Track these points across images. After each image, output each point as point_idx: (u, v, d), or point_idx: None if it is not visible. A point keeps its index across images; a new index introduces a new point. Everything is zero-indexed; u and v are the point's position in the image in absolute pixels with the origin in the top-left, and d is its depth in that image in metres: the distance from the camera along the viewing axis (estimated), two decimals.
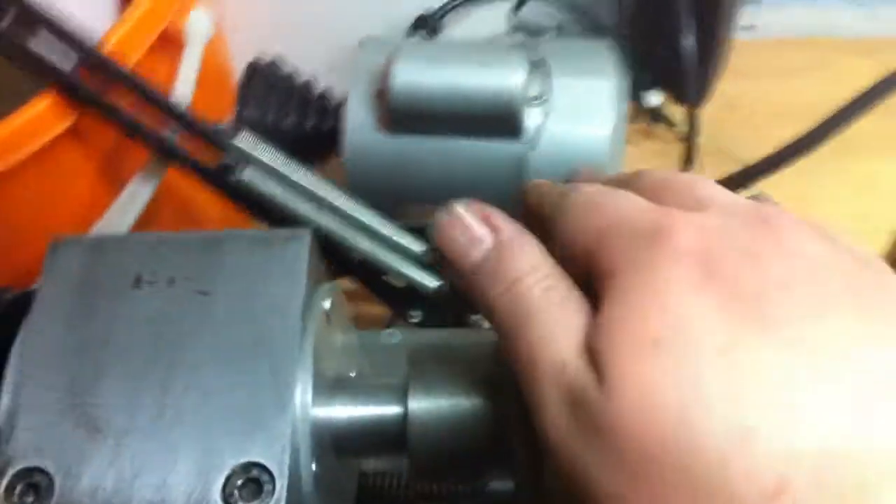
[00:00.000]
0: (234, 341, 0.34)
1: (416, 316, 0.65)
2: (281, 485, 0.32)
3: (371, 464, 0.44)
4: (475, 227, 0.34)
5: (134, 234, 0.39)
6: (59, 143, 0.54)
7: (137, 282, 0.36)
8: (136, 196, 0.58)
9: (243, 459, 0.32)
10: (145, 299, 0.35)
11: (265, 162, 0.58)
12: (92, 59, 0.52)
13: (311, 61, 0.77)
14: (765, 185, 0.68)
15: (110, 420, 0.33)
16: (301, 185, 0.59)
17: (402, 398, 0.36)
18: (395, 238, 0.62)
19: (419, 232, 0.63)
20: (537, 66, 0.67)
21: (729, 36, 0.83)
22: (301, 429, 0.33)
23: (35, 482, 0.32)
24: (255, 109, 0.70)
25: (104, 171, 0.59)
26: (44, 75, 0.52)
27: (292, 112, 0.72)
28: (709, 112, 0.87)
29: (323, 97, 0.75)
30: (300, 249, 0.36)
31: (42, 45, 0.52)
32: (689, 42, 0.75)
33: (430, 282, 0.64)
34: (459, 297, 0.66)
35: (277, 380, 0.34)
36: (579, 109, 0.67)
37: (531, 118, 0.66)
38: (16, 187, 0.55)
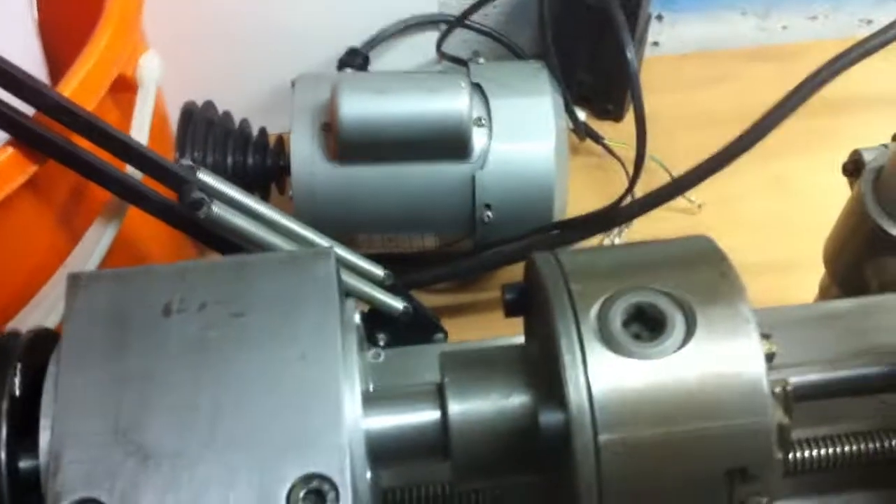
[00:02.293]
0: (276, 360, 0.35)
1: (382, 338, 0.65)
2: (346, 493, 0.32)
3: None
4: None
5: (154, 265, 0.38)
6: (17, 196, 0.53)
7: (167, 310, 0.35)
8: (97, 241, 0.57)
9: (304, 472, 0.32)
10: (179, 326, 0.35)
11: (231, 196, 0.58)
12: (51, 106, 0.52)
13: (241, 103, 0.78)
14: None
15: (161, 447, 0.33)
16: (264, 217, 0.60)
17: (439, 403, 0.37)
18: (359, 263, 0.63)
19: (376, 259, 0.64)
20: (475, 90, 0.70)
21: (642, 52, 0.88)
22: (355, 438, 0.34)
23: None
24: (195, 150, 0.70)
25: (60, 221, 0.57)
26: (1, 125, 0.51)
27: (232, 151, 0.72)
28: (627, 125, 0.91)
29: (262, 135, 0.75)
30: (328, 266, 0.37)
31: None
32: (615, 61, 0.78)
33: (396, 304, 0.64)
34: (423, 318, 0.67)
35: (326, 394, 0.34)
36: (522, 126, 0.69)
37: (476, 139, 0.69)
38: None
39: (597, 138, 0.84)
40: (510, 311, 0.42)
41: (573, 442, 0.34)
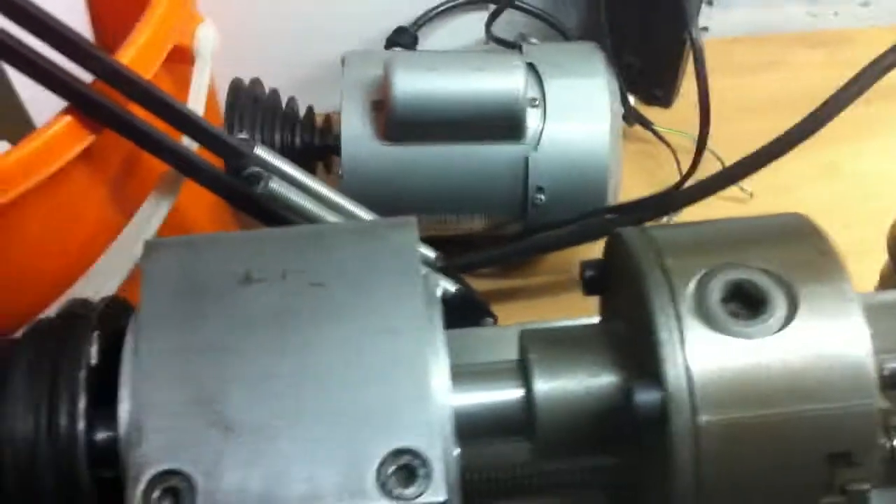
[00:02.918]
0: (360, 331, 0.33)
1: None
2: (439, 468, 0.31)
3: None
4: None
5: (228, 233, 0.37)
6: (73, 166, 0.52)
7: (247, 279, 0.34)
8: (151, 213, 0.56)
9: (393, 447, 0.31)
10: (259, 295, 0.34)
11: (285, 171, 0.57)
12: (109, 73, 0.50)
13: (287, 80, 0.76)
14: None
15: (244, 419, 0.32)
16: (318, 193, 0.59)
17: (524, 380, 0.36)
18: None
19: (423, 241, 0.63)
20: (529, 70, 0.68)
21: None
22: (444, 414, 0.33)
23: (173, 486, 0.31)
24: (243, 127, 0.69)
25: (113, 192, 0.56)
26: (60, 92, 0.50)
27: (280, 129, 0.71)
28: (677, 111, 0.89)
29: (309, 113, 0.74)
30: (409, 237, 0.36)
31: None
32: (667, 43, 0.77)
33: (447, 286, 0.63)
34: (473, 302, 0.66)
35: (413, 367, 0.33)
36: (577, 108, 0.68)
37: (530, 120, 0.67)
38: (27, 213, 0.52)
39: (646, 124, 0.82)
40: (590, 288, 0.40)
41: (671, 422, 0.32)
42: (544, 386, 0.35)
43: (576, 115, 0.68)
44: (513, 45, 0.76)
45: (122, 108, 0.51)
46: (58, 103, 0.53)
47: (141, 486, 0.30)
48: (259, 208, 0.56)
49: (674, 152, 0.83)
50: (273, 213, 0.56)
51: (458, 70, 0.66)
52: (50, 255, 0.56)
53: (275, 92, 0.74)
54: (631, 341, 0.36)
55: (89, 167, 0.54)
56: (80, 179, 0.54)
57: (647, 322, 0.34)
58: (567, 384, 0.36)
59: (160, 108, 0.52)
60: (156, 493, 0.30)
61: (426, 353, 0.33)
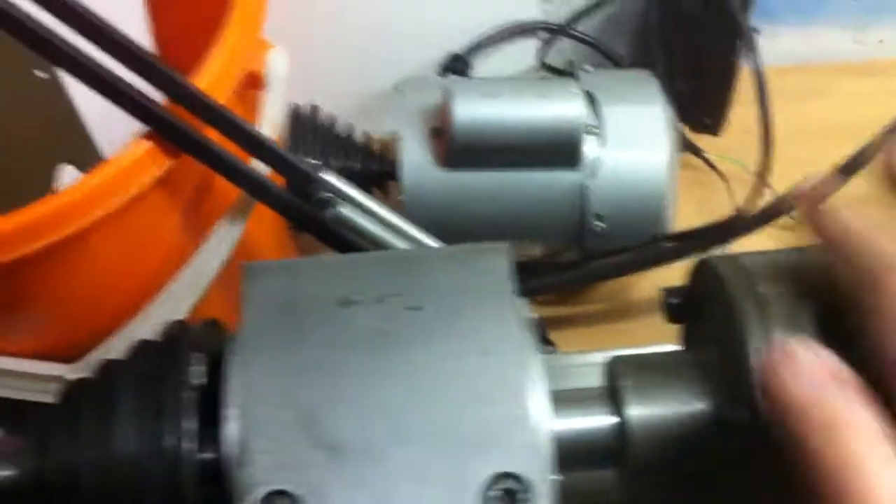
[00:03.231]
0: (457, 354, 0.34)
1: None
2: (542, 493, 0.31)
3: None
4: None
5: (325, 256, 0.38)
6: (150, 191, 0.52)
7: (345, 301, 0.35)
8: (224, 238, 0.56)
9: (496, 470, 0.32)
10: (357, 317, 0.35)
11: (353, 197, 0.57)
12: (188, 98, 0.51)
13: (342, 106, 0.77)
14: None
15: (348, 440, 0.32)
16: (385, 219, 0.59)
17: (616, 406, 0.36)
18: None
19: None
20: (586, 97, 0.69)
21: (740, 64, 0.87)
22: (545, 438, 0.33)
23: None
24: (306, 154, 0.70)
25: (185, 219, 0.57)
26: (139, 115, 0.51)
27: (340, 155, 0.72)
28: (725, 139, 0.90)
29: (366, 139, 0.75)
30: (503, 262, 0.36)
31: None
32: (718, 70, 0.78)
33: None
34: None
35: (513, 391, 0.33)
36: (636, 136, 0.68)
37: (588, 147, 0.68)
38: (103, 238, 0.53)
39: (697, 151, 0.83)
40: (674, 315, 0.41)
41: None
42: (637, 413, 0.36)
43: (634, 142, 0.68)
44: (566, 73, 0.76)
45: (199, 133, 0.52)
46: (119, 124, 0.54)
47: None
48: (327, 233, 0.57)
49: (725, 180, 0.83)
50: (341, 238, 0.57)
51: (517, 97, 0.67)
52: (123, 278, 0.57)
53: (331, 118, 0.75)
54: (721, 369, 0.36)
55: (165, 192, 0.54)
56: (156, 205, 0.55)
57: (739, 349, 0.34)
58: (660, 411, 0.36)
59: (235, 133, 0.53)
60: None
61: (525, 376, 0.33)
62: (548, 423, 0.33)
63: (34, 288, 0.54)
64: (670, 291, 0.40)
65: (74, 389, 0.36)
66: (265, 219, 0.63)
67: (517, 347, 0.34)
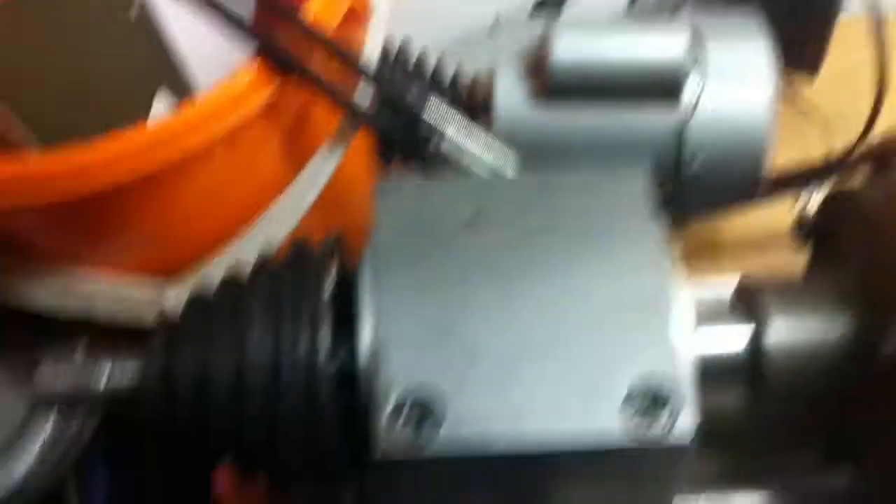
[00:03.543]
0: (597, 269, 0.33)
1: None
2: (685, 401, 0.31)
3: None
4: None
5: (456, 178, 0.37)
6: (256, 117, 0.52)
7: (472, 221, 0.34)
8: (322, 167, 0.56)
9: (640, 378, 0.31)
10: (489, 237, 0.34)
11: (456, 130, 0.57)
12: (297, 26, 0.51)
13: (433, 41, 0.76)
14: None
15: (488, 348, 0.32)
16: (490, 150, 0.58)
17: (756, 323, 0.35)
18: None
19: None
20: (692, 34, 0.67)
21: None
22: (689, 350, 0.32)
23: (419, 410, 0.31)
24: (396, 89, 0.69)
25: (286, 146, 0.57)
26: (248, 40, 0.51)
27: (432, 89, 0.71)
28: (819, 83, 0.87)
29: (458, 75, 0.74)
30: (642, 183, 0.36)
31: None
32: (818, 10, 0.75)
33: None
34: None
35: (656, 304, 0.32)
36: (738, 74, 0.66)
37: (689, 83, 0.66)
38: (206, 165, 0.53)
39: (793, 94, 0.80)
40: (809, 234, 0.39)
41: None
42: (779, 330, 0.35)
43: (738, 79, 0.66)
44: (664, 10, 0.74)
45: (306, 60, 0.51)
46: (212, 58, 0.54)
47: (387, 409, 0.31)
48: (429, 163, 0.56)
49: (818, 125, 0.81)
50: (443, 168, 0.56)
51: (618, 31, 0.65)
52: (223, 205, 0.57)
53: (424, 52, 0.74)
54: (869, 289, 0.35)
55: (268, 120, 0.54)
56: (260, 132, 0.54)
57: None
58: (802, 329, 0.35)
59: (342, 61, 0.53)
60: (402, 417, 0.31)
61: (666, 289, 0.33)
62: (690, 335, 0.32)
63: (137, 212, 0.54)
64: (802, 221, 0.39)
65: (198, 302, 0.36)
66: (359, 151, 0.63)
67: (657, 261, 0.33)
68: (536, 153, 0.67)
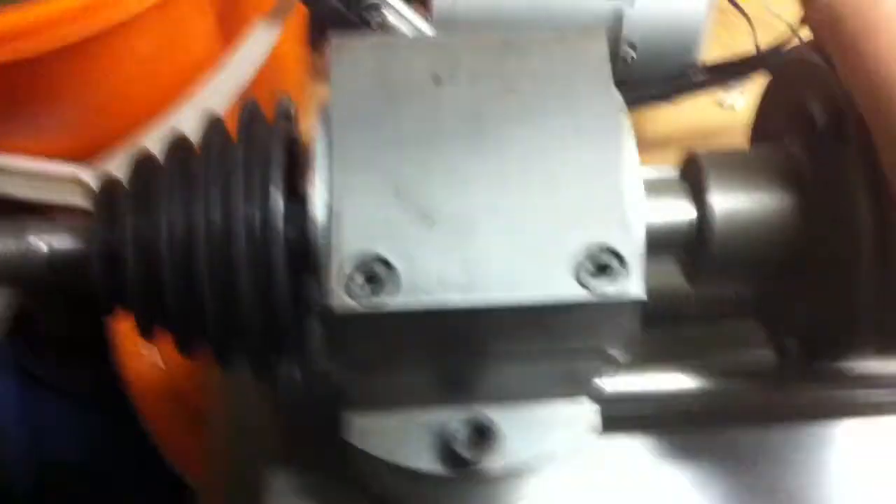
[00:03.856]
0: (553, 133, 0.33)
1: None
2: (636, 266, 0.31)
3: None
4: None
5: (417, 37, 0.36)
6: None
7: (437, 80, 0.34)
8: (260, 41, 0.54)
9: (590, 243, 0.31)
10: (451, 96, 0.33)
11: (398, 6, 0.55)
12: None
13: None
14: None
15: (443, 209, 0.31)
16: (419, 29, 0.58)
17: (700, 195, 0.36)
18: None
19: None
20: None
21: None
22: (638, 217, 0.33)
23: (373, 270, 0.31)
24: None
25: (219, 20, 0.55)
26: None
27: None
28: None
29: None
30: (601, 46, 0.35)
31: None
32: None
33: None
34: None
35: (608, 169, 0.32)
36: None
37: None
38: (134, 36, 0.51)
39: None
40: None
41: None
42: (722, 202, 0.35)
43: None
44: None
45: None
46: None
47: (343, 271, 0.30)
48: None
49: (750, 22, 0.82)
50: None
51: None
52: (150, 79, 0.55)
53: None
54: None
55: None
56: (192, 2, 0.52)
57: None
58: (744, 198, 0.36)
59: None
60: (357, 278, 0.30)
61: (620, 156, 0.33)
62: (642, 203, 0.33)
63: (60, 83, 0.52)
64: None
65: (145, 164, 0.35)
66: (291, 31, 0.61)
67: (612, 128, 0.33)
68: (472, 28, 0.67)
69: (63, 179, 0.54)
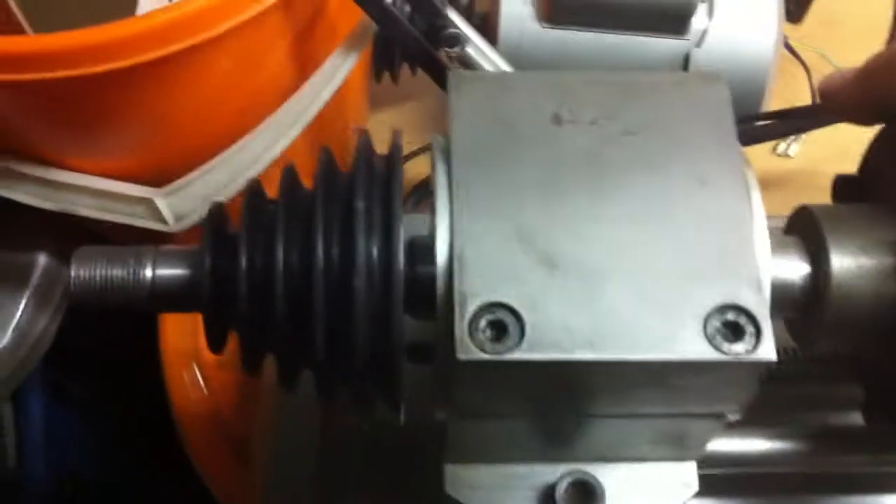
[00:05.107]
0: (677, 183, 0.32)
1: None
2: (767, 327, 0.30)
3: None
4: None
5: (537, 72, 0.35)
6: (269, 11, 0.49)
7: (557, 119, 0.33)
8: (337, 69, 0.53)
9: (720, 301, 0.30)
10: (571, 137, 0.32)
11: (473, 38, 0.55)
12: None
13: None
14: None
15: (568, 256, 0.30)
16: (496, 64, 0.57)
17: (817, 253, 0.35)
18: None
19: None
20: None
21: None
22: (767, 274, 0.31)
23: (499, 318, 0.29)
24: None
25: (296, 47, 0.54)
26: None
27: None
28: (805, 28, 0.87)
29: None
30: (721, 91, 0.34)
31: None
32: None
33: None
34: None
35: (738, 225, 0.31)
36: (746, 9, 0.66)
37: (697, 16, 0.65)
38: (209, 60, 0.50)
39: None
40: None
41: None
42: (840, 260, 0.34)
43: (744, 15, 0.66)
44: None
45: None
46: None
47: (467, 318, 0.29)
48: (439, 72, 0.54)
49: (807, 70, 0.81)
50: None
51: None
52: (224, 103, 0.54)
53: None
54: None
55: (281, 14, 0.51)
56: (271, 27, 0.51)
57: None
58: (863, 260, 0.34)
59: None
60: (482, 325, 0.29)
61: (748, 210, 0.32)
62: (769, 260, 0.32)
63: (134, 102, 0.51)
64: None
65: (254, 195, 0.33)
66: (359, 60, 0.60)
67: (739, 180, 0.32)
68: None
69: (132, 200, 0.53)
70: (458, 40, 0.52)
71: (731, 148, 0.33)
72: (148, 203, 0.53)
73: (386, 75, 0.67)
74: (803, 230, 0.36)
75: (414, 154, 0.70)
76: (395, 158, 0.33)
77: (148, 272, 0.33)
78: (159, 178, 0.54)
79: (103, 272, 0.33)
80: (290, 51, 0.54)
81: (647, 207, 0.32)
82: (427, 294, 0.31)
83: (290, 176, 0.33)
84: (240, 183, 0.54)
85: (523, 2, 0.65)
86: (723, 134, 0.33)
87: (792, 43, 0.82)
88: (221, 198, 0.53)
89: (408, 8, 0.55)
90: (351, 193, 0.32)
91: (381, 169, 0.33)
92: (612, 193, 0.32)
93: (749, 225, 0.32)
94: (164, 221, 0.53)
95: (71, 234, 0.53)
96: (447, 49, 0.52)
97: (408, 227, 0.32)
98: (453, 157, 0.32)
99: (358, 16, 0.54)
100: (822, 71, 0.81)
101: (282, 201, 0.32)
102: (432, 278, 0.31)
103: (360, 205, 0.31)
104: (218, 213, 0.33)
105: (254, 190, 0.34)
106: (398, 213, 0.31)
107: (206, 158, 0.54)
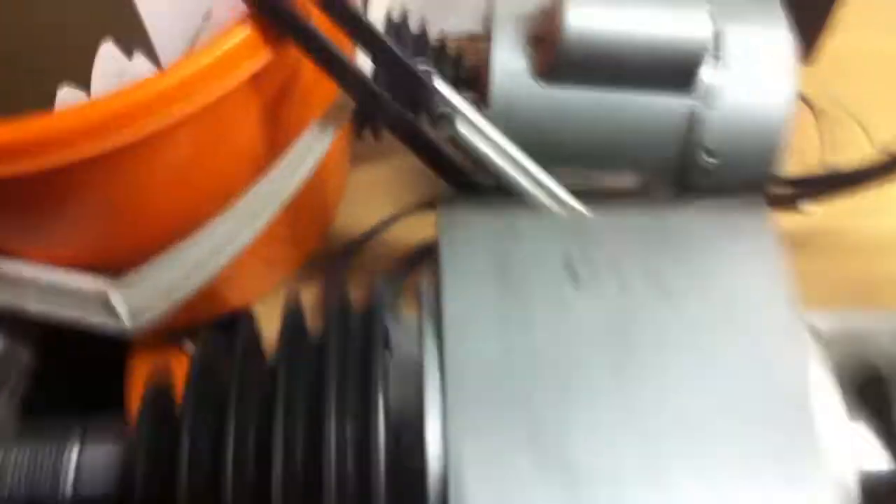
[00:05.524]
0: (721, 361, 0.27)
1: None
2: None
3: None
4: None
5: (544, 214, 0.30)
6: (235, 89, 0.44)
7: (573, 275, 0.27)
8: (311, 148, 0.48)
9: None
10: (593, 300, 0.27)
11: (467, 114, 0.49)
12: None
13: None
14: None
15: (593, 470, 0.25)
16: (493, 141, 0.51)
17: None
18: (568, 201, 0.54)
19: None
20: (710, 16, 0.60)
21: None
22: (847, 481, 0.26)
23: None
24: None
25: (266, 121, 0.48)
26: None
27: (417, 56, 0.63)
28: (818, 71, 0.82)
29: (443, 41, 0.65)
30: (765, 228, 0.29)
31: None
32: None
33: None
34: None
35: (799, 419, 0.26)
36: (759, 62, 0.60)
37: (704, 71, 0.60)
38: (175, 140, 0.44)
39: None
40: None
41: None
42: None
43: (757, 69, 0.60)
44: None
45: (307, 21, 0.43)
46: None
47: None
48: (434, 153, 0.49)
49: (816, 117, 0.76)
50: (448, 161, 0.49)
51: (638, 9, 0.58)
52: (194, 183, 0.48)
53: (405, 14, 0.65)
54: None
55: (248, 91, 0.46)
56: (237, 106, 0.46)
57: None
58: None
59: (347, 23, 0.44)
60: None
61: (813, 398, 0.26)
62: (849, 460, 0.26)
63: (84, 192, 0.45)
64: None
65: (206, 376, 0.28)
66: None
67: (796, 356, 0.27)
68: (533, 132, 0.60)
69: (83, 295, 0.47)
70: (449, 119, 0.46)
71: (785, 313, 0.27)
72: (101, 297, 0.48)
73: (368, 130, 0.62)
74: (879, 407, 0.30)
75: (399, 216, 0.65)
76: (374, 318, 0.27)
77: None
78: (118, 265, 0.48)
79: None
80: (259, 128, 0.48)
81: (694, 394, 0.26)
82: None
83: (252, 335, 0.28)
84: (206, 272, 0.48)
85: (518, 56, 0.60)
86: (774, 292, 0.28)
87: (807, 89, 0.77)
88: (182, 293, 0.48)
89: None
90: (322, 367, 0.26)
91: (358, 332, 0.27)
92: (646, 380, 0.26)
93: (821, 417, 0.26)
94: (118, 318, 0.48)
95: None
96: (437, 129, 0.46)
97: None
98: (444, 327, 0.26)
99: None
100: (831, 117, 0.76)
101: (236, 371, 0.27)
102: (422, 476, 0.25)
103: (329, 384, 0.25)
104: (160, 386, 0.28)
105: (207, 349, 0.28)
106: (378, 410, 0.25)
107: (168, 245, 0.48)
